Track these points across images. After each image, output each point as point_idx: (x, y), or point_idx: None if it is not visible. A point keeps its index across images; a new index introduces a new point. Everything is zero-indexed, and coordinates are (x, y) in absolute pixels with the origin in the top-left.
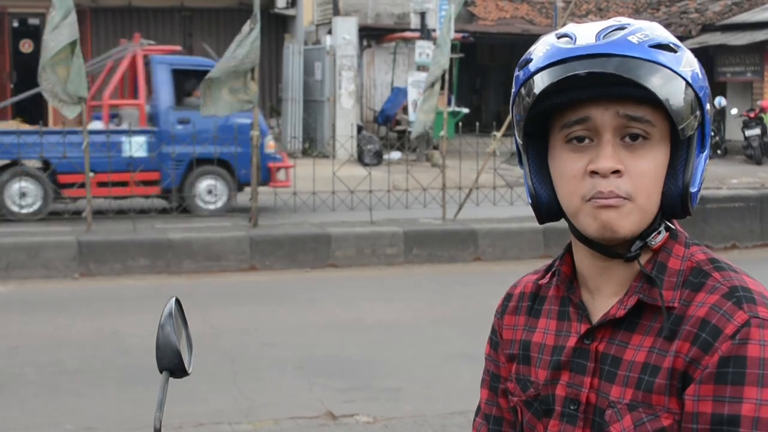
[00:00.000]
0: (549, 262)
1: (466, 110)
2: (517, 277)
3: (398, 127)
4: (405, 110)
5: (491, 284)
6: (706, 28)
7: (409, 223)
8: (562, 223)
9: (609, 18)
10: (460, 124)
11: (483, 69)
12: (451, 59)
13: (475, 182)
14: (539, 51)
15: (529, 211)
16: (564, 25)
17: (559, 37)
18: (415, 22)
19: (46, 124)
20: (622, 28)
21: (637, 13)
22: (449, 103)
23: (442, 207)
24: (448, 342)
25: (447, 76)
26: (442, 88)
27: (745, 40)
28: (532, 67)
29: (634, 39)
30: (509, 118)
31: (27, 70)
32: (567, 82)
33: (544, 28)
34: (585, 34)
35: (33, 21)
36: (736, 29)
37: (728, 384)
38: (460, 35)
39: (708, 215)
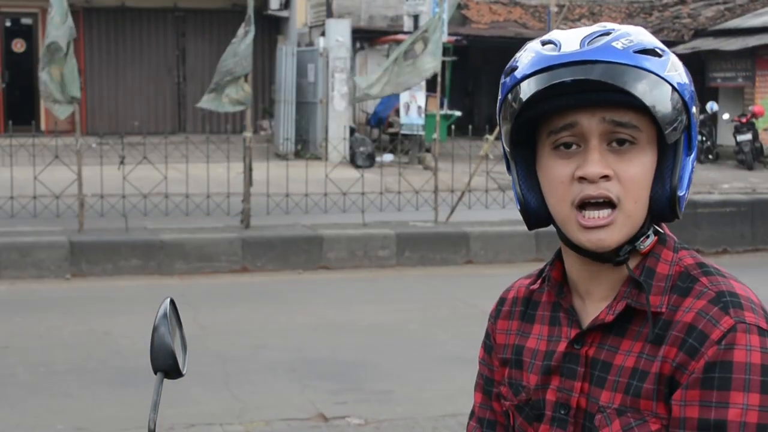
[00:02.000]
0: (541, 266)
1: (458, 113)
2: (510, 280)
3: (390, 130)
4: (397, 113)
5: (483, 287)
6: (699, 33)
7: (401, 226)
8: (552, 228)
9: (602, 22)
10: (453, 127)
11: (476, 72)
12: (444, 62)
13: (468, 185)
14: (525, 58)
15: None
16: (558, 29)
17: (543, 44)
18: (408, 24)
19: (38, 125)
20: (606, 33)
21: (630, 18)
22: (442, 106)
23: (434, 210)
24: (439, 344)
25: (439, 79)
26: (434, 90)
27: (737, 45)
28: (518, 74)
29: (618, 45)
30: None
31: (19, 69)
32: (553, 90)
33: (538, 31)
34: (570, 40)
35: (26, 21)
36: (728, 35)
37: (714, 389)
38: (453, 38)
39: (699, 220)
